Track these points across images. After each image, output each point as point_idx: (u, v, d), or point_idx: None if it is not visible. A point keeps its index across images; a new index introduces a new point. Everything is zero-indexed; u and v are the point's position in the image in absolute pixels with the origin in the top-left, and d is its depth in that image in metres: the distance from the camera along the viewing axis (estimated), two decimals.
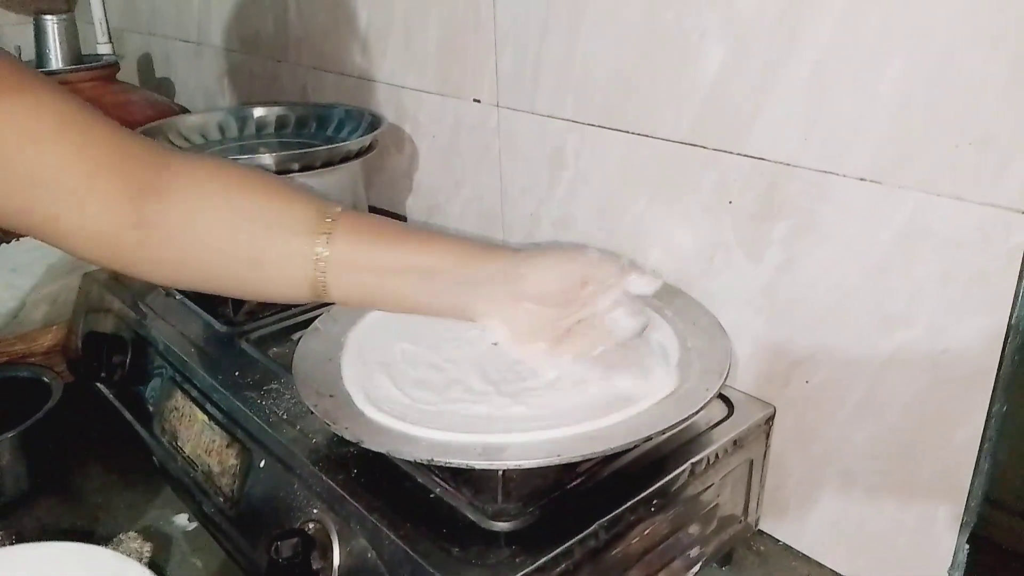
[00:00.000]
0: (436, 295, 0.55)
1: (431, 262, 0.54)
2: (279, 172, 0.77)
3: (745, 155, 0.60)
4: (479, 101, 0.82)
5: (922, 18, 0.49)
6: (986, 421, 0.53)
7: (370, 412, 0.54)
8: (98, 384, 0.81)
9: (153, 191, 0.51)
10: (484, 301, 0.55)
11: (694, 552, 0.60)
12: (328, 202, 0.55)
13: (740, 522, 0.64)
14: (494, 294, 0.55)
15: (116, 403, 0.79)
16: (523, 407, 0.54)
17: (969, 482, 0.55)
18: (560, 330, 0.56)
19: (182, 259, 0.53)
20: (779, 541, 0.67)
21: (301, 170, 0.78)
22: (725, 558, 0.65)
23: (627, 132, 0.68)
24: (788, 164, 0.58)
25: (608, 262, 0.56)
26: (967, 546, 0.57)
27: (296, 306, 0.77)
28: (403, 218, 1.00)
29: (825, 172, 0.56)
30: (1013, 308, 0.50)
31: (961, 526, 0.57)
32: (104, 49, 1.47)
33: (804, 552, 0.66)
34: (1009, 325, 0.51)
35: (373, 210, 0.97)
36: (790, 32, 0.55)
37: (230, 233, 0.53)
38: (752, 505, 0.65)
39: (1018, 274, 0.49)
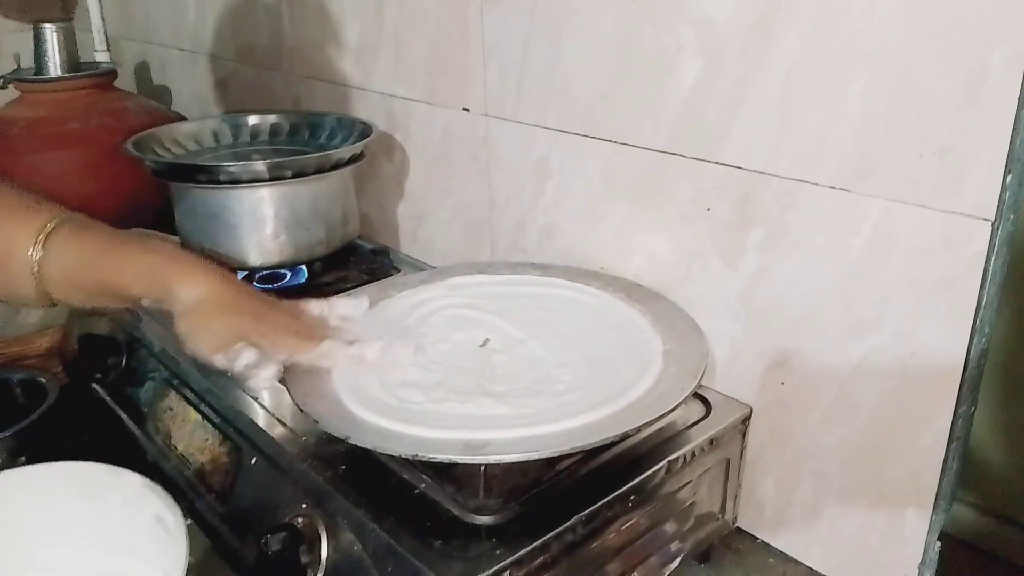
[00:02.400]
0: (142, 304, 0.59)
1: (125, 285, 0.59)
2: (272, 179, 0.79)
3: (721, 163, 0.63)
4: (468, 110, 0.84)
5: (883, 37, 0.51)
6: (952, 422, 0.55)
7: (357, 410, 0.55)
8: (93, 385, 0.83)
9: None
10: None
11: (672, 548, 0.62)
12: (56, 211, 0.60)
13: (718, 520, 0.66)
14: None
15: (111, 403, 0.81)
16: (507, 407, 0.56)
17: (937, 481, 0.57)
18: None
19: None
20: (757, 539, 0.69)
21: (293, 177, 0.80)
22: (704, 555, 0.67)
23: (608, 141, 0.70)
24: (762, 172, 0.60)
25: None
26: (938, 543, 0.59)
27: None
28: (394, 226, 1.02)
29: (797, 180, 0.58)
30: (976, 312, 0.52)
31: (930, 524, 0.58)
32: (102, 57, 1.48)
33: (781, 550, 0.68)
34: (973, 328, 0.53)
35: (364, 218, 0.99)
36: (761, 48, 0.58)
37: None
38: (729, 504, 0.66)
39: (980, 279, 0.51)
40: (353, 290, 0.69)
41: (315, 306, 0.64)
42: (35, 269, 0.58)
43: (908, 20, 0.50)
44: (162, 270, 0.58)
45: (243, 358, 0.55)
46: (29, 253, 0.58)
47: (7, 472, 0.58)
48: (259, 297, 0.61)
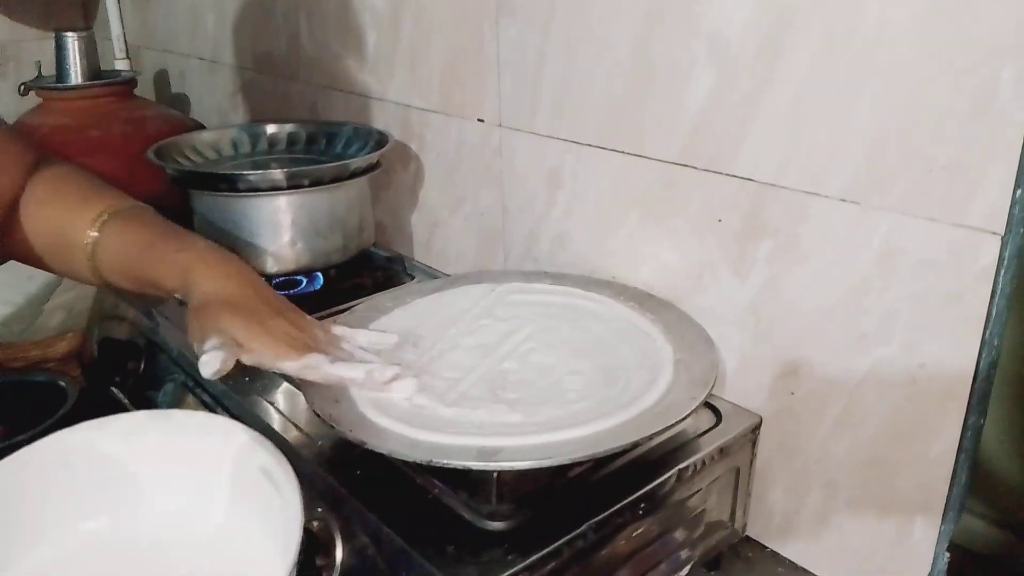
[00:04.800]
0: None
1: (159, 280, 0.62)
2: (290, 187, 0.80)
3: (732, 175, 0.63)
4: (482, 121, 0.85)
5: (895, 53, 0.52)
6: (962, 433, 0.56)
7: (373, 416, 0.56)
8: (112, 388, 0.84)
9: (18, 199, 0.64)
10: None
11: (682, 556, 0.62)
12: (115, 200, 0.65)
13: (727, 528, 0.67)
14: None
15: (129, 407, 0.82)
16: (519, 414, 0.56)
17: (947, 492, 0.57)
18: None
19: (26, 250, 0.66)
20: (766, 547, 0.69)
21: (311, 185, 0.81)
22: (713, 563, 0.67)
23: (621, 152, 0.71)
24: (772, 184, 0.61)
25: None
26: (947, 555, 0.60)
27: None
28: (408, 234, 1.03)
29: (807, 192, 0.59)
30: (986, 325, 0.53)
31: (940, 535, 0.59)
32: (121, 65, 1.51)
33: (790, 559, 0.68)
34: (982, 341, 0.53)
35: (378, 226, 1.01)
36: (772, 63, 0.58)
37: (46, 230, 0.64)
38: (739, 512, 0.67)
39: (989, 293, 0.52)
40: (383, 320, 0.70)
41: (339, 328, 0.65)
42: (89, 252, 0.62)
43: (920, 36, 0.50)
44: (187, 267, 0.61)
45: (208, 343, 0.56)
46: (86, 236, 0.62)
47: (127, 415, 0.59)
48: (270, 303, 0.61)
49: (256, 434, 0.55)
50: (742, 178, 0.63)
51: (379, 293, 0.80)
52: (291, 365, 0.57)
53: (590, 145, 0.74)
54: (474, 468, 0.51)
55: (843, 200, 0.57)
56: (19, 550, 0.53)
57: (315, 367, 0.57)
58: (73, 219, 0.63)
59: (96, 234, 0.62)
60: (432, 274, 0.96)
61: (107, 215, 0.63)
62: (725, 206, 0.65)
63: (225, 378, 0.70)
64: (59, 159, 0.67)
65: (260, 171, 0.81)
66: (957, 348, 0.54)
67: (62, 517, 0.56)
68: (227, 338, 0.56)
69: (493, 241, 0.90)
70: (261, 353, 0.57)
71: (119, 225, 0.63)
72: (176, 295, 0.62)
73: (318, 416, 0.57)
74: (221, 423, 0.58)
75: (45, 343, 0.92)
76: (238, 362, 0.57)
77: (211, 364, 0.54)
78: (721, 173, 0.64)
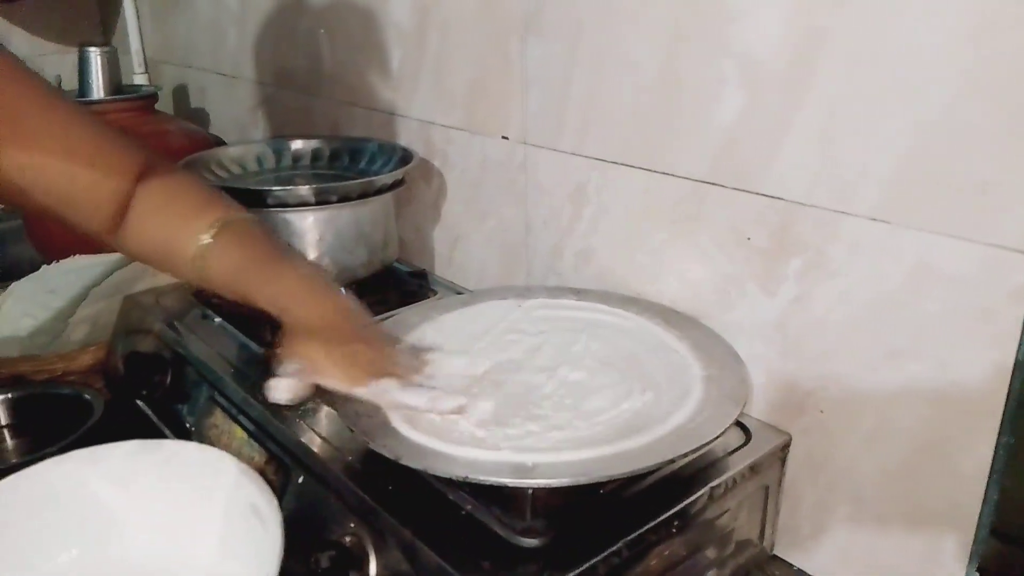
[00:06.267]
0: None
1: (276, 296, 0.63)
2: (318, 203, 0.81)
3: (761, 193, 0.64)
4: (507, 138, 0.86)
5: (925, 72, 0.52)
6: (994, 452, 0.56)
7: (406, 431, 0.57)
8: (138, 401, 0.84)
9: (133, 195, 0.64)
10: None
11: (711, 574, 0.62)
12: (225, 211, 0.66)
13: (755, 546, 0.66)
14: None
15: (155, 420, 0.83)
16: (552, 430, 0.57)
17: (978, 512, 0.57)
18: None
19: (137, 245, 0.66)
20: (793, 566, 0.69)
21: (338, 201, 0.82)
22: None
23: (648, 170, 0.72)
24: (802, 203, 0.61)
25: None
26: (976, 575, 0.59)
27: None
28: (430, 250, 1.03)
29: (836, 211, 0.59)
30: (1020, 344, 0.53)
31: (970, 556, 0.59)
32: (140, 79, 1.53)
33: None
34: (1016, 361, 0.53)
35: (401, 241, 1.01)
36: (803, 82, 0.59)
37: (156, 230, 0.65)
38: (768, 530, 0.67)
39: (1023, 312, 0.52)
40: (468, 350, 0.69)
41: (433, 355, 0.66)
42: (198, 262, 0.63)
43: (953, 55, 0.51)
44: (285, 295, 0.63)
45: (282, 369, 0.60)
46: (193, 247, 0.63)
47: (117, 445, 0.60)
48: (356, 329, 0.64)
49: (246, 467, 0.57)
50: (771, 196, 0.63)
51: (404, 308, 0.81)
52: (361, 391, 0.59)
53: (616, 163, 0.75)
54: (511, 485, 0.51)
55: (873, 219, 0.57)
56: None
57: (383, 392, 0.59)
58: (183, 228, 0.64)
59: (207, 239, 0.63)
60: (454, 289, 0.97)
61: (219, 225, 0.63)
62: (753, 224, 0.65)
63: (253, 392, 0.71)
64: (170, 164, 0.68)
65: (288, 187, 0.82)
66: (990, 366, 0.54)
67: (46, 548, 0.57)
68: (304, 363, 0.59)
69: (516, 256, 0.90)
70: (336, 378, 0.59)
71: (230, 237, 0.63)
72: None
73: (351, 431, 0.57)
74: (212, 455, 0.59)
75: (69, 356, 0.92)
76: (316, 387, 0.60)
77: (276, 389, 0.59)
78: (750, 191, 0.64)
